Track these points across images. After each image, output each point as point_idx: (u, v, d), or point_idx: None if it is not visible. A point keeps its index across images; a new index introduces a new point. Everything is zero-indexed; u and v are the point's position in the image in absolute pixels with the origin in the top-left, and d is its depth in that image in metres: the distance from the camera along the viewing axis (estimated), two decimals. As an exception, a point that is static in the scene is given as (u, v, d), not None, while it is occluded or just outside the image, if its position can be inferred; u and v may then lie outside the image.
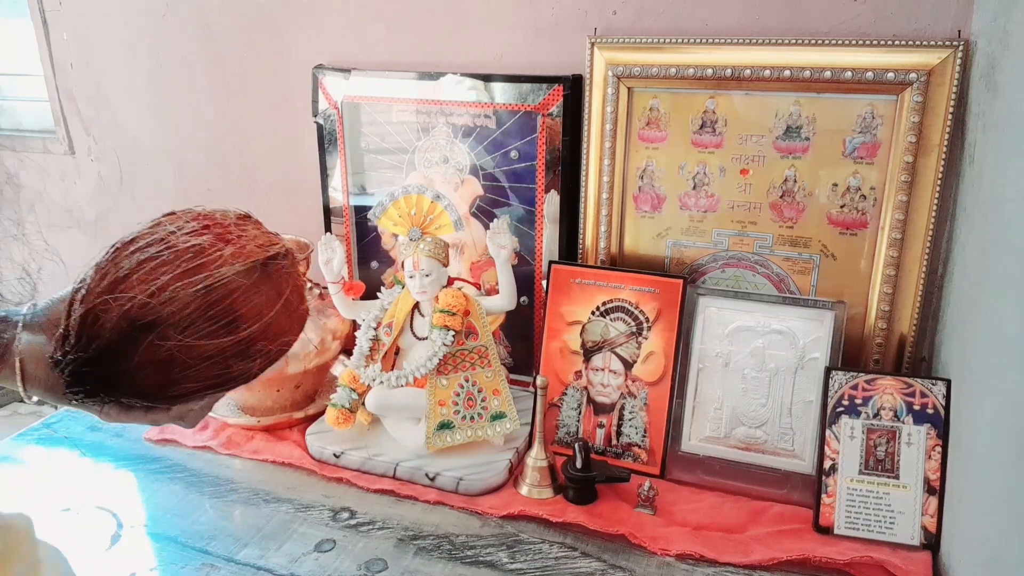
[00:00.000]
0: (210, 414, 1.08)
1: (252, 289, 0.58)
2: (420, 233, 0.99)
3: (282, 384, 1.07)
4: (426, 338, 0.98)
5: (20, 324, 0.59)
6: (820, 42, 0.91)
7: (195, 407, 0.63)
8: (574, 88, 1.03)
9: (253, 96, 1.26)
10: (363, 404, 1.01)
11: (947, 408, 0.84)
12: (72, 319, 0.55)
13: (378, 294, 1.03)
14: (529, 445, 0.96)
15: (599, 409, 1.00)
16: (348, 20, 1.16)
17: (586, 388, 1.01)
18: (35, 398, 0.60)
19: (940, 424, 0.84)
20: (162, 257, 0.56)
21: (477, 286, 1.11)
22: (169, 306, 0.55)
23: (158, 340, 0.54)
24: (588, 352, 1.01)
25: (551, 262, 1.04)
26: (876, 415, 0.86)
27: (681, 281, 0.97)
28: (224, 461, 1.02)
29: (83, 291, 0.56)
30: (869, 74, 0.89)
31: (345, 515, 0.90)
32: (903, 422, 0.85)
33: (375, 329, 1.01)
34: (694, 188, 1.01)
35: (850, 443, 0.86)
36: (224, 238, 0.59)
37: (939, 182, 0.89)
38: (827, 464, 0.87)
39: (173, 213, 0.62)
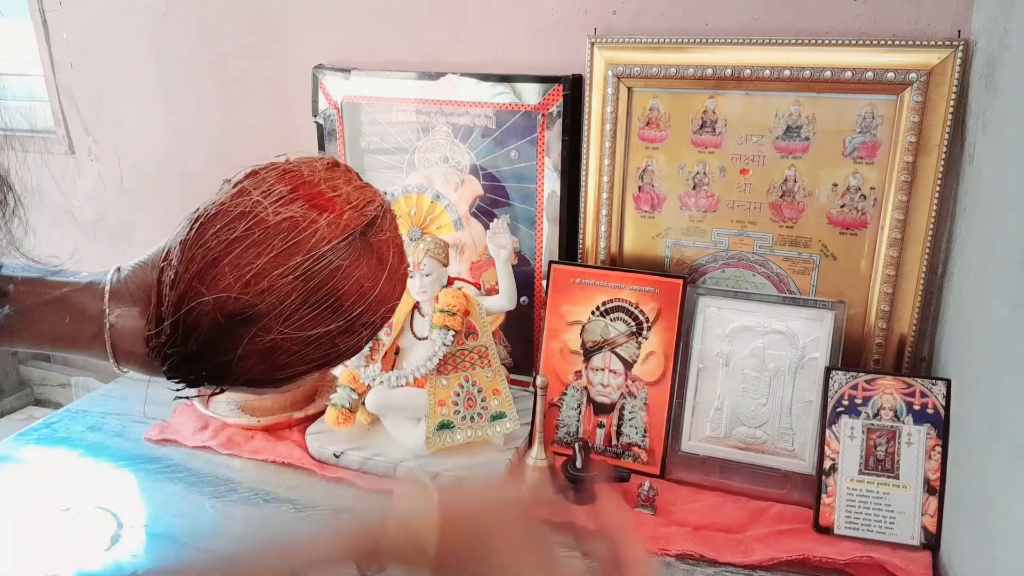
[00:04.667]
0: (210, 414, 1.09)
1: (353, 264, 0.52)
2: (420, 233, 1.00)
3: (304, 383, 1.07)
4: (426, 338, 0.98)
5: (107, 293, 0.54)
6: (820, 42, 0.91)
7: (304, 381, 0.59)
8: (574, 88, 1.03)
9: (253, 96, 1.26)
10: (363, 404, 1.01)
11: (947, 408, 0.84)
12: (164, 307, 0.51)
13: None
14: (529, 445, 0.96)
15: (599, 409, 1.00)
16: (348, 20, 1.16)
17: (586, 388, 1.01)
18: (128, 371, 0.56)
19: (940, 424, 0.84)
20: (252, 236, 0.51)
21: (477, 286, 1.11)
22: (267, 297, 0.50)
23: (259, 332, 0.50)
24: (588, 352, 1.01)
25: (551, 262, 1.04)
26: (876, 415, 0.86)
27: (681, 281, 0.97)
28: (224, 461, 1.02)
29: (171, 275, 0.52)
30: (869, 74, 0.89)
31: (345, 515, 0.90)
32: (903, 422, 0.85)
33: (376, 329, 1.01)
34: (694, 188, 1.01)
35: (850, 443, 0.86)
36: (317, 204, 0.53)
37: (939, 182, 0.89)
38: (827, 464, 0.87)
39: (255, 173, 0.56)
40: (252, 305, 0.50)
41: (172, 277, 0.51)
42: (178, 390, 0.54)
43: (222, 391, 0.55)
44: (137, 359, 0.54)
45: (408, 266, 0.60)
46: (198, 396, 0.55)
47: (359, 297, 0.53)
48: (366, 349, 1.00)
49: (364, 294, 0.53)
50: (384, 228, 0.56)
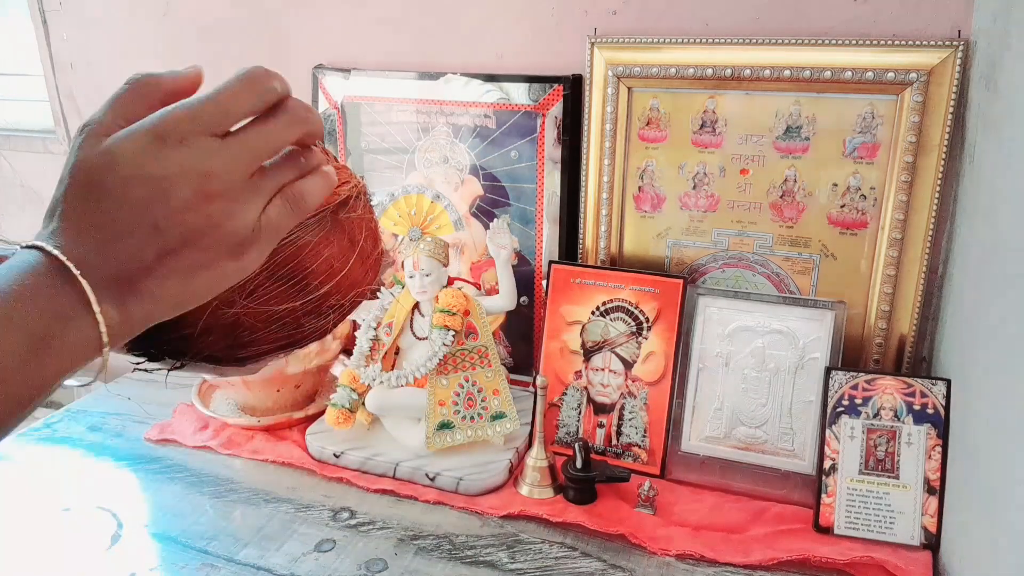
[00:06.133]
0: (210, 414, 1.08)
1: (323, 242, 0.51)
2: (420, 233, 0.99)
3: (282, 384, 1.07)
4: (426, 338, 0.98)
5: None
6: (820, 42, 0.91)
7: (268, 362, 0.59)
8: (574, 88, 1.03)
9: (253, 96, 1.26)
10: (363, 404, 1.01)
11: (947, 408, 0.84)
12: None
13: (378, 294, 1.03)
14: (529, 445, 0.96)
15: (599, 409, 1.00)
16: (348, 20, 1.16)
17: (586, 388, 1.01)
18: None
19: (940, 424, 0.84)
20: None
21: (477, 286, 1.11)
22: None
23: (221, 305, 0.49)
24: (588, 352, 1.01)
25: (551, 262, 1.04)
26: (876, 415, 0.86)
27: (681, 281, 0.97)
28: (224, 461, 1.02)
29: None
30: (869, 74, 0.89)
31: (345, 515, 0.90)
32: (903, 422, 0.85)
33: (375, 329, 1.01)
34: (694, 188, 1.01)
35: (850, 443, 0.86)
36: None
37: (939, 182, 0.89)
38: (827, 464, 0.87)
39: None
40: None
41: None
42: (137, 363, 0.53)
43: (182, 366, 0.54)
44: None
45: (382, 252, 0.59)
46: (159, 370, 0.54)
47: (327, 276, 0.52)
48: (366, 349, 1.00)
49: (332, 274, 0.52)
50: (356, 208, 0.55)
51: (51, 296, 0.34)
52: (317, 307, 0.52)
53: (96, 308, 0.34)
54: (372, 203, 0.59)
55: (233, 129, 0.38)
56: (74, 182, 0.36)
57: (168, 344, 0.51)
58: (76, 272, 0.34)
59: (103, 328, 0.35)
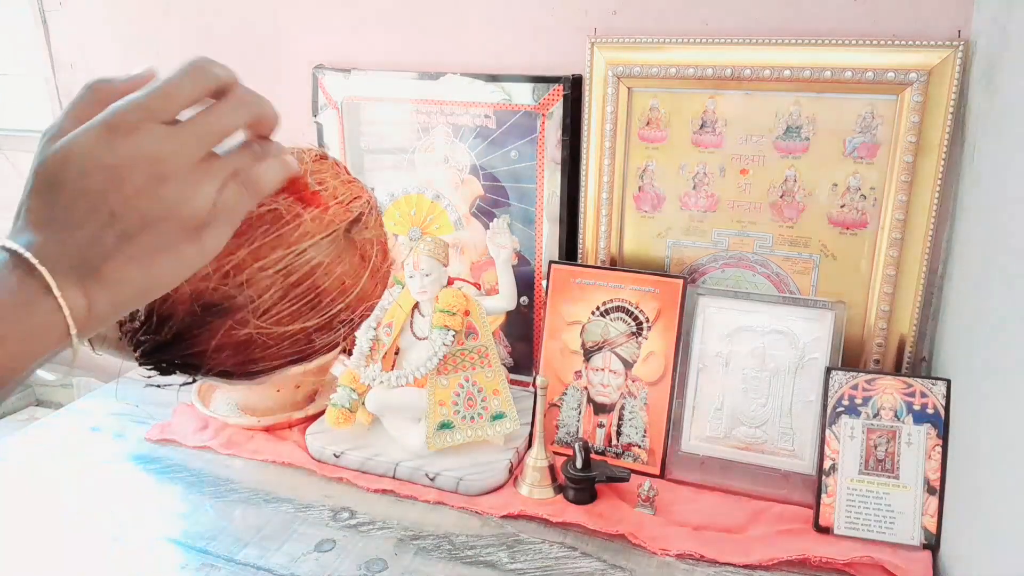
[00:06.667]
0: (210, 414, 1.09)
1: (335, 261, 0.52)
2: (420, 233, 0.99)
3: (282, 384, 1.07)
4: (426, 338, 0.98)
5: None
6: (820, 42, 0.91)
7: (277, 376, 0.60)
8: (574, 88, 1.03)
9: (253, 96, 1.26)
10: (363, 404, 1.01)
11: (947, 408, 0.84)
12: None
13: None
14: (529, 445, 0.96)
15: (599, 409, 1.00)
16: (348, 20, 1.16)
17: (586, 388, 1.01)
18: (103, 354, 0.56)
19: (940, 424, 0.84)
20: None
21: (477, 286, 1.11)
22: (245, 289, 0.49)
23: (235, 325, 0.50)
24: (588, 352, 1.01)
25: (551, 262, 1.04)
26: (876, 415, 0.86)
27: (681, 281, 0.97)
28: (224, 461, 1.02)
29: None
30: (869, 74, 0.89)
31: (345, 515, 0.90)
32: (903, 422, 0.86)
33: (375, 329, 1.01)
34: (694, 188, 1.01)
35: (850, 443, 0.86)
36: (302, 197, 0.52)
37: (939, 182, 0.89)
38: (827, 464, 0.87)
39: None
40: (230, 297, 0.49)
41: None
42: (149, 377, 0.54)
43: (194, 381, 0.55)
44: (111, 343, 0.54)
45: (391, 263, 0.59)
46: (170, 385, 0.54)
47: (339, 294, 0.52)
48: (366, 349, 1.00)
49: (345, 291, 0.53)
50: (369, 225, 0.56)
51: (13, 288, 0.35)
52: (328, 323, 0.53)
53: (57, 292, 0.36)
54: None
55: (183, 118, 0.40)
56: (35, 182, 0.38)
57: (181, 360, 0.52)
58: (34, 261, 0.36)
59: (67, 312, 0.36)
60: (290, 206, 0.51)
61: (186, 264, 0.40)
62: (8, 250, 0.36)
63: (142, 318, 0.50)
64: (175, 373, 0.52)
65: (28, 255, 0.36)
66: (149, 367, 0.52)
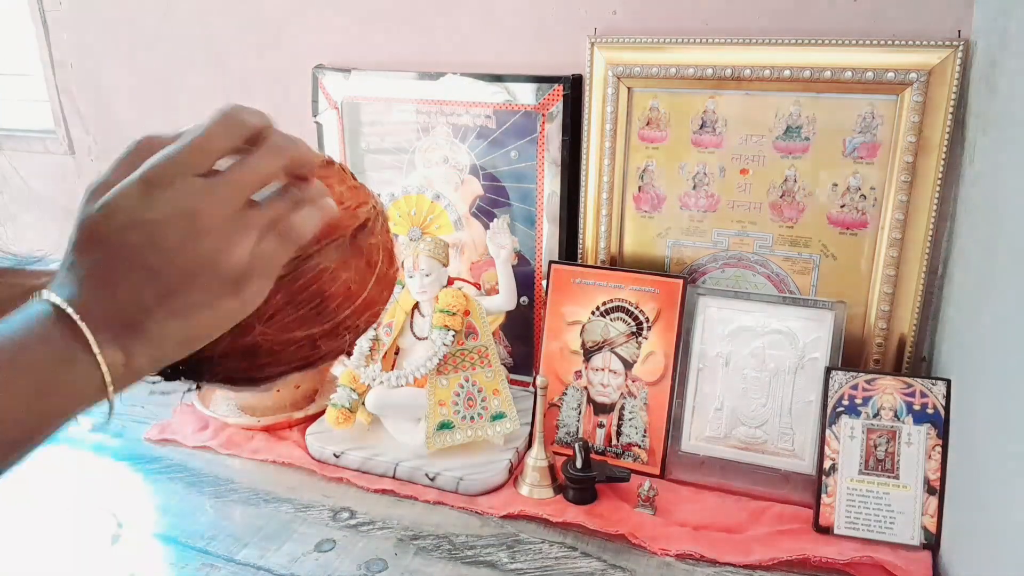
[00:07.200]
0: (210, 414, 1.09)
1: (341, 267, 0.52)
2: (420, 233, 0.99)
3: (282, 384, 1.07)
4: (426, 338, 0.98)
5: None
6: (820, 42, 0.91)
7: (283, 382, 0.59)
8: (574, 88, 1.03)
9: (253, 96, 1.26)
10: (363, 404, 1.01)
11: (947, 408, 0.84)
12: None
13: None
14: (529, 445, 0.96)
15: (599, 409, 1.00)
16: (348, 20, 1.16)
17: (586, 388, 1.01)
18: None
19: (940, 424, 0.84)
20: None
21: (477, 286, 1.11)
22: None
23: (240, 332, 0.49)
24: (588, 352, 1.01)
25: (551, 262, 1.04)
26: (876, 415, 0.86)
27: (681, 281, 0.97)
28: (224, 461, 1.02)
29: None
30: (869, 74, 0.89)
31: (345, 515, 0.90)
32: (903, 422, 0.85)
33: (375, 329, 1.01)
34: (694, 188, 1.01)
35: (850, 443, 0.86)
36: None
37: (939, 182, 0.89)
38: (827, 464, 0.87)
39: None
40: None
41: None
42: (154, 383, 0.54)
43: (199, 387, 0.55)
44: None
45: (397, 269, 0.59)
46: (175, 392, 0.54)
47: (345, 300, 0.52)
48: (366, 349, 1.00)
49: (351, 297, 0.53)
50: (375, 231, 0.55)
51: (54, 342, 0.36)
52: (334, 329, 0.53)
53: (96, 350, 0.36)
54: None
55: (219, 168, 0.39)
56: (78, 237, 0.38)
57: (186, 366, 0.52)
58: (76, 317, 0.36)
59: (104, 369, 0.36)
60: None
61: (227, 317, 0.40)
62: (51, 304, 0.36)
63: None
64: (180, 379, 0.53)
65: (70, 310, 0.36)
66: (154, 373, 0.52)
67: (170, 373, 0.52)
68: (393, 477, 0.96)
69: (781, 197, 0.98)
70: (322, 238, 0.51)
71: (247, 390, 0.56)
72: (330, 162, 0.57)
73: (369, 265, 0.54)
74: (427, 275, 0.97)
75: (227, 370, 0.51)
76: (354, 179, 0.57)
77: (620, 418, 0.99)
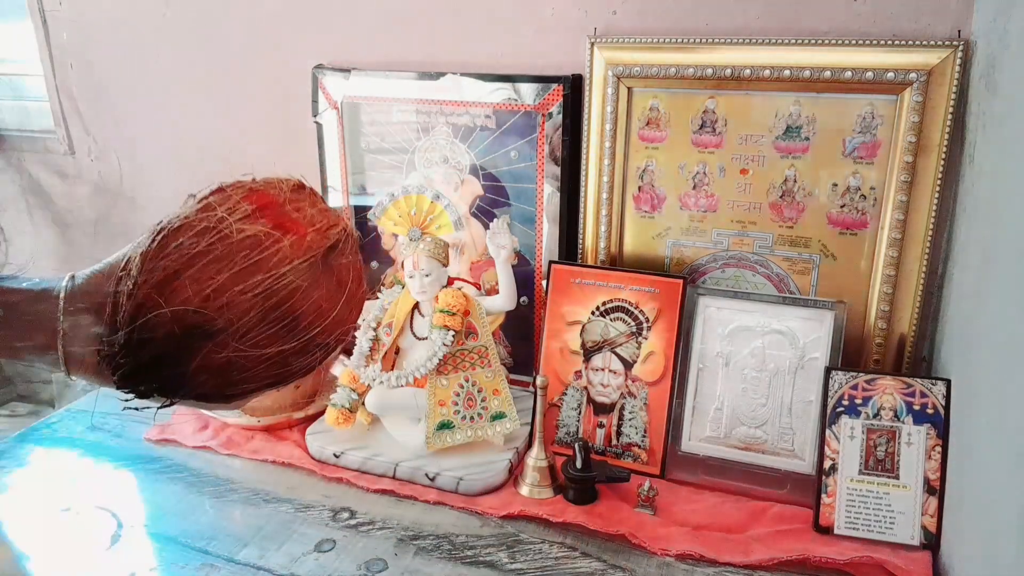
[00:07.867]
0: (210, 414, 1.08)
1: (313, 286, 0.53)
2: (420, 233, 0.99)
3: (251, 401, 1.07)
4: (426, 338, 0.98)
5: (61, 300, 0.54)
6: (820, 42, 0.91)
7: (254, 399, 0.59)
8: (574, 88, 1.03)
9: (253, 96, 1.26)
10: (363, 404, 1.01)
11: (947, 408, 0.84)
12: (120, 316, 0.51)
13: (378, 294, 1.03)
14: (529, 445, 0.96)
15: (599, 409, 1.00)
16: (348, 20, 1.16)
17: (586, 388, 1.01)
18: (77, 380, 0.56)
19: (940, 424, 0.84)
20: (214, 252, 0.51)
21: (477, 286, 1.11)
22: (226, 312, 0.50)
23: (215, 348, 0.51)
24: (588, 352, 1.01)
25: (551, 262, 1.04)
26: (876, 415, 0.86)
27: (681, 281, 0.97)
28: (224, 461, 1.02)
29: (130, 284, 0.51)
30: (869, 74, 0.89)
31: (345, 515, 0.90)
32: (903, 422, 0.85)
33: (375, 329, 1.01)
34: (694, 188, 1.01)
35: (850, 443, 0.86)
36: (281, 224, 0.54)
37: (939, 182, 0.89)
38: (827, 464, 0.87)
39: (221, 189, 0.56)
40: (210, 320, 0.50)
41: (130, 287, 0.51)
42: (127, 400, 0.54)
43: (172, 404, 0.55)
44: (88, 368, 0.54)
45: (366, 291, 0.61)
46: (147, 408, 0.55)
47: (316, 318, 0.54)
48: (366, 349, 1.00)
49: (322, 315, 0.54)
50: (346, 252, 0.57)
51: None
52: (305, 347, 0.54)
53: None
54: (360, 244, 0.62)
55: None
56: None
57: (160, 382, 0.52)
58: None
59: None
60: (269, 232, 0.53)
61: None
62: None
63: (121, 341, 0.51)
64: (153, 396, 0.53)
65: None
66: (127, 390, 0.53)
67: (143, 391, 0.53)
68: (393, 477, 0.96)
69: (781, 197, 0.98)
70: (294, 258, 0.53)
71: (219, 407, 0.57)
72: (301, 185, 0.59)
73: (340, 284, 0.56)
74: (427, 275, 0.97)
75: (200, 386, 0.53)
76: (324, 202, 0.60)
77: (620, 418, 0.99)
